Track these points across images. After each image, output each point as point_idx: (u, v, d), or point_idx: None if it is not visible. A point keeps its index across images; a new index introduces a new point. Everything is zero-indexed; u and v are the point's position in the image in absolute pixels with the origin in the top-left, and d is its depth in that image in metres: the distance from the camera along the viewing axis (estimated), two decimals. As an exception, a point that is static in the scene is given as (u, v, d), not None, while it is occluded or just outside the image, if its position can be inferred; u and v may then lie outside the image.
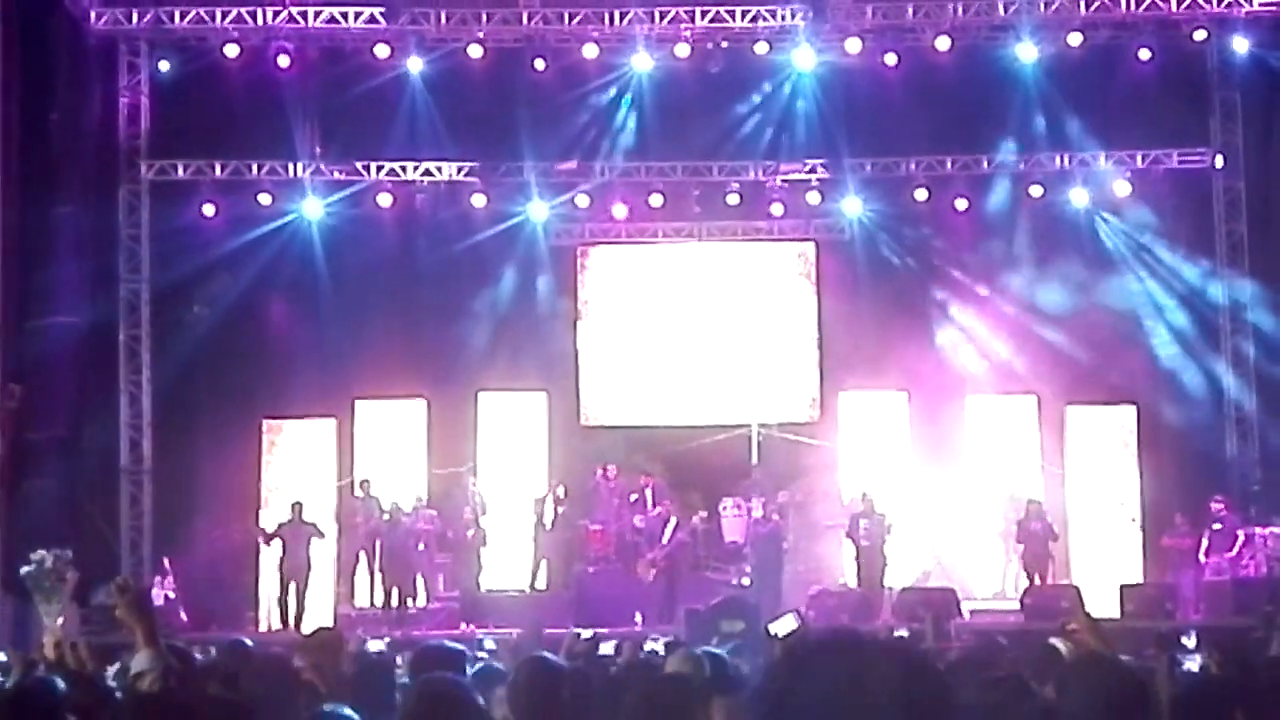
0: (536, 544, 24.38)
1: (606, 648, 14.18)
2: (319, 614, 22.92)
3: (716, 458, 26.23)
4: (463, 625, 22.48)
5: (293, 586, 23.12)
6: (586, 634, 15.39)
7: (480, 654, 12.98)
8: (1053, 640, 9.81)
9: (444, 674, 6.10)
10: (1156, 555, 24.63)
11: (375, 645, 17.86)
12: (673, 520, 24.09)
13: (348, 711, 5.14)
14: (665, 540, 23.93)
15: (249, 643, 9.70)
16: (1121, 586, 23.64)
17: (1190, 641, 13.10)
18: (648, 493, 24.94)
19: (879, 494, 23.89)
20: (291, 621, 22.86)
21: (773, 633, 7.68)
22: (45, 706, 5.46)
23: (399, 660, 10.32)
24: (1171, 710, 6.19)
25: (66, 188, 24.67)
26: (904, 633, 17.95)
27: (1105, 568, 24.77)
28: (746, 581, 23.60)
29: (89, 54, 25.23)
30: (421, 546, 23.93)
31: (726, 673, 6.80)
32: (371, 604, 23.87)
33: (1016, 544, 24.08)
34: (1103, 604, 23.05)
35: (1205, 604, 23.24)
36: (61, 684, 5.91)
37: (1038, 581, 23.52)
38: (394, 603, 23.43)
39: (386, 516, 23.82)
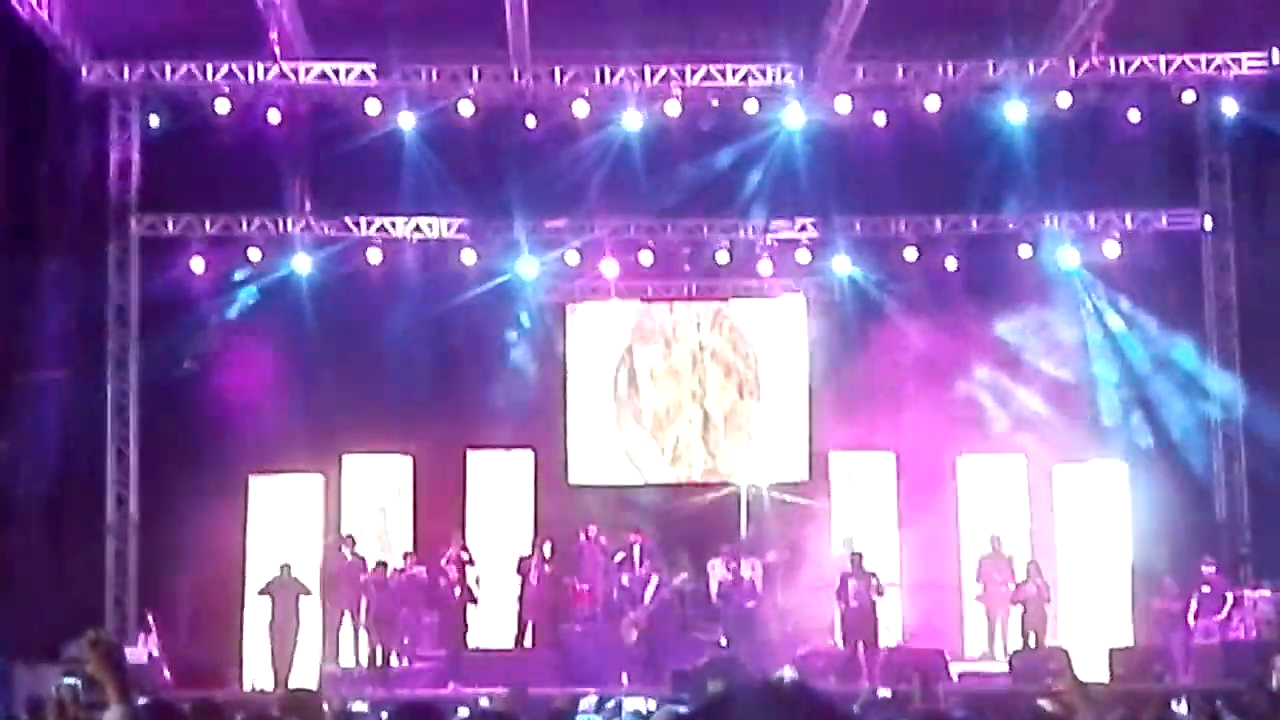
0: (522, 603, 24.27)
1: (587, 703, 14.09)
2: (304, 673, 22.77)
3: (706, 517, 26.16)
4: (451, 685, 22.34)
5: (283, 646, 23.00)
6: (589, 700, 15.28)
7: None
8: (1041, 702, 9.75)
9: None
10: (1145, 617, 24.54)
11: (359, 706, 17.71)
12: (654, 580, 24.00)
13: None
14: (647, 600, 23.84)
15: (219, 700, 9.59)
16: (1111, 649, 23.56)
17: (1181, 707, 13.02)
18: (636, 550, 24.83)
19: (868, 554, 23.80)
20: (282, 682, 22.70)
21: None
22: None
23: (383, 718, 10.23)
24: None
25: (55, 241, 24.68)
26: (886, 693, 17.83)
27: (1094, 630, 24.69)
28: (723, 642, 23.45)
29: (80, 108, 25.24)
30: (409, 607, 23.77)
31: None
32: (357, 663, 23.74)
33: (1012, 604, 23.98)
34: (1092, 667, 23.01)
35: (1195, 667, 23.13)
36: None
37: (1033, 643, 23.45)
38: (379, 661, 23.31)
39: (374, 573, 23.73)
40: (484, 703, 15.17)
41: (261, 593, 23.35)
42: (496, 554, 24.97)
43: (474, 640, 24.22)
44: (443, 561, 24.09)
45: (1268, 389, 25.48)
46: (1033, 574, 23.96)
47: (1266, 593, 23.27)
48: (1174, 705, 14.07)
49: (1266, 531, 25.15)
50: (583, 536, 25.16)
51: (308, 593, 23.39)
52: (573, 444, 26.97)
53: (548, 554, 24.37)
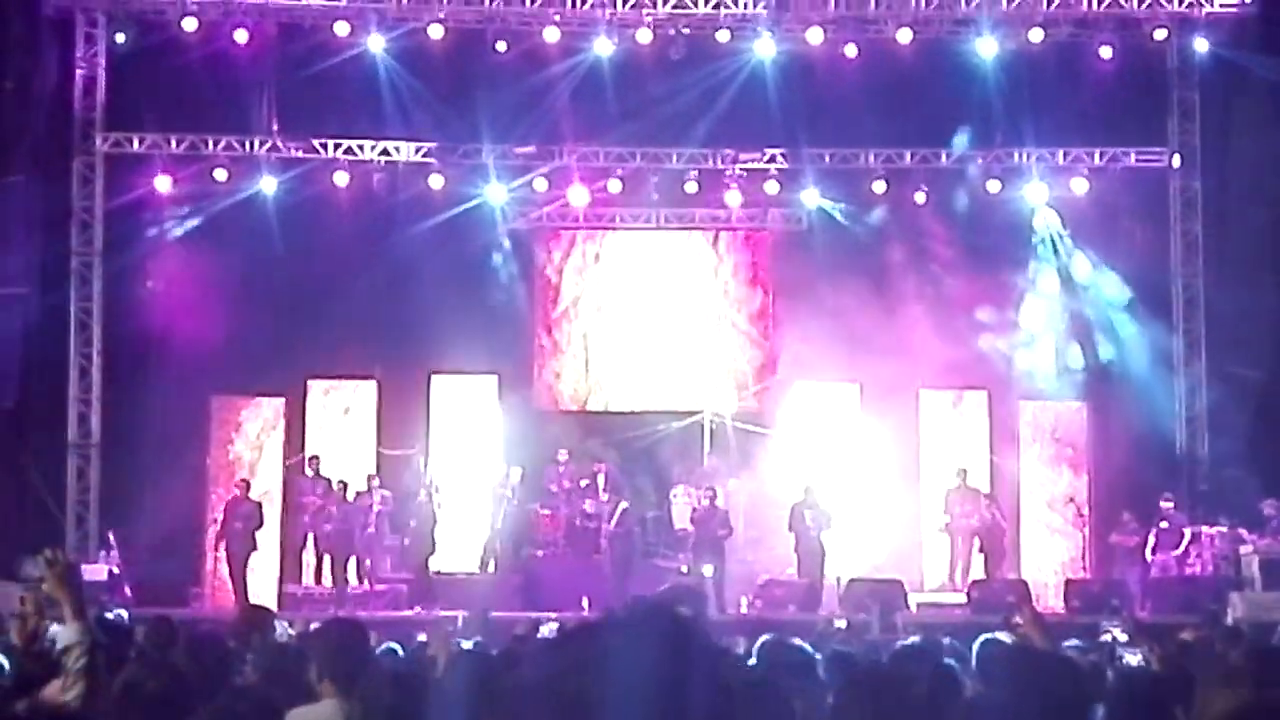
0: (502, 526, 24.29)
1: (547, 630, 14.15)
2: (264, 593, 22.82)
3: (670, 445, 26.22)
4: (417, 608, 22.41)
5: (237, 563, 23.12)
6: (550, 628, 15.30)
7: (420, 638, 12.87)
8: (998, 634, 9.80)
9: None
10: (1104, 552, 24.74)
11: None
12: (621, 505, 24.06)
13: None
14: (612, 525, 23.90)
15: (174, 619, 9.60)
16: (1067, 581, 23.80)
17: (1122, 635, 13.13)
18: (600, 479, 24.88)
19: (824, 485, 23.91)
20: (233, 601, 22.77)
21: None
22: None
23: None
24: (1111, 705, 6.16)
25: (19, 158, 24.51)
26: (842, 623, 17.96)
27: (1053, 563, 24.90)
28: (685, 569, 23.50)
29: (45, 24, 25.03)
30: (371, 530, 23.82)
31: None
32: (318, 583, 23.79)
33: (965, 536, 24.16)
34: (1050, 599, 23.23)
35: (1151, 601, 23.34)
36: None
37: (984, 574, 23.67)
38: (340, 583, 23.37)
39: (336, 495, 23.75)
40: (421, 638, 15.13)
41: (220, 533, 23.41)
42: (459, 479, 25.01)
43: (436, 564, 24.28)
44: (407, 487, 24.18)
45: (1230, 327, 25.59)
46: (989, 506, 24.13)
47: (1224, 529, 23.46)
48: (1116, 632, 14.20)
49: (1226, 468, 25.29)
50: (555, 462, 25.22)
51: (261, 525, 23.42)
52: (539, 370, 26.98)
53: (518, 480, 24.46)
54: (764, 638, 8.55)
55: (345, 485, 23.97)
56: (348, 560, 23.67)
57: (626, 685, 2.69)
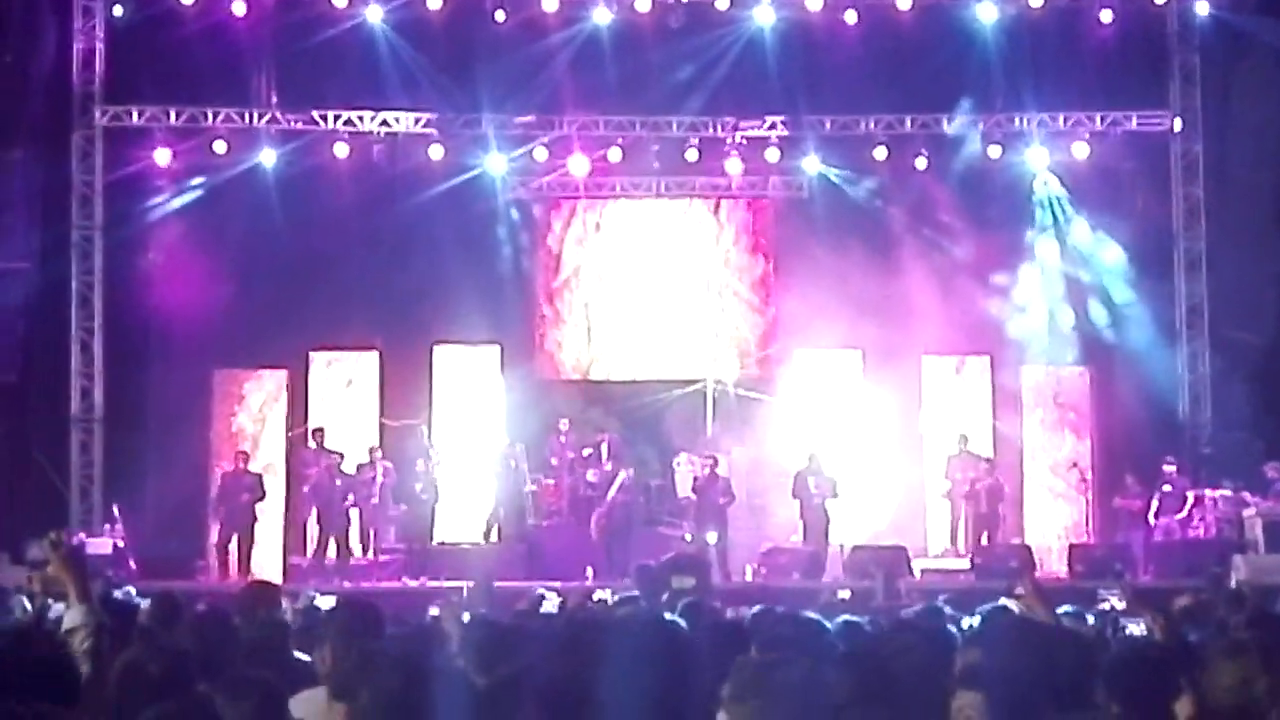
0: (506, 497, 24.32)
1: (550, 606, 14.16)
2: (268, 565, 22.88)
3: (672, 413, 26.22)
4: (420, 578, 22.44)
5: (235, 537, 23.18)
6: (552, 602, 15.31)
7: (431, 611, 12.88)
8: (1004, 601, 9.82)
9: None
10: (1107, 516, 24.78)
11: (325, 601, 17.75)
12: (621, 475, 24.07)
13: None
14: (609, 496, 23.93)
15: (177, 594, 9.61)
16: (1071, 546, 23.84)
17: (1119, 602, 13.12)
18: (603, 448, 24.89)
19: (827, 452, 23.94)
20: (235, 573, 22.82)
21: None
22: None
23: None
24: (1111, 678, 6.14)
25: (18, 132, 24.47)
26: (845, 593, 17.99)
27: (1056, 527, 24.95)
28: (689, 538, 23.50)
29: (43, -3, 24.99)
30: (374, 500, 23.84)
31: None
32: (321, 555, 23.82)
33: (966, 502, 24.19)
34: (1053, 564, 23.28)
35: (1154, 565, 23.39)
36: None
37: (985, 540, 23.71)
38: (344, 554, 23.41)
39: (341, 468, 23.79)
40: (433, 611, 15.11)
41: (218, 505, 23.46)
42: (462, 449, 25.05)
43: (440, 535, 24.33)
44: (411, 457, 24.22)
45: (1232, 290, 25.58)
46: (991, 472, 24.19)
47: (1227, 492, 23.48)
48: (1113, 600, 14.20)
49: (1229, 431, 25.30)
50: (556, 432, 25.23)
51: (263, 497, 23.48)
52: (541, 340, 26.97)
53: (520, 450, 24.50)
54: (755, 608, 8.56)
55: (342, 456, 24.00)
56: (349, 531, 23.70)
57: (623, 693, 2.71)
